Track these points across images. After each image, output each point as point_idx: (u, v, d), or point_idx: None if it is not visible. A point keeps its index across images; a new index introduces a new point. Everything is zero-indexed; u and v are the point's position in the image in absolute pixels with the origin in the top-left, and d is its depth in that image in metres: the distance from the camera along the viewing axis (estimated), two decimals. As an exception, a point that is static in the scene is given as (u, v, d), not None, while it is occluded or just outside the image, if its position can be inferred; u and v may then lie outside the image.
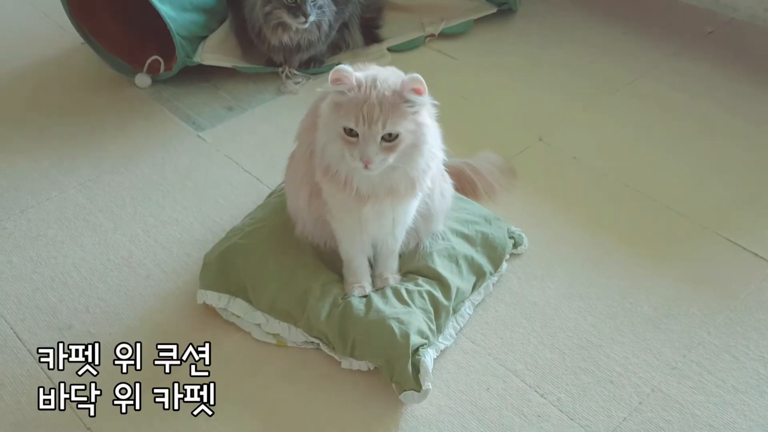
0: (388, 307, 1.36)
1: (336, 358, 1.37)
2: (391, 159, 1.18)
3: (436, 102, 1.24)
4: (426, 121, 1.20)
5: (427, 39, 2.22)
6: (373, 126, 1.14)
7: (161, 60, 2.07)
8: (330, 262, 1.45)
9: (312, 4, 1.92)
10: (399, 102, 1.16)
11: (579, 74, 2.11)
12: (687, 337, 1.43)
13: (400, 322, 1.33)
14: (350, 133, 1.16)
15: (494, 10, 2.31)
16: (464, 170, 1.67)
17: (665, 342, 1.42)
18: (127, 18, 2.14)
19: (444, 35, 2.25)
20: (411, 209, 1.34)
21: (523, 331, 1.44)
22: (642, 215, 1.69)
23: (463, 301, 1.45)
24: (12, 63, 2.16)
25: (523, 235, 1.60)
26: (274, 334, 1.42)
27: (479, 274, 1.48)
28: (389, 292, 1.40)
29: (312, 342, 1.40)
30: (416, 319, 1.35)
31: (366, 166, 1.16)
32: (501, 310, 1.48)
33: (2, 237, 1.63)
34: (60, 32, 2.26)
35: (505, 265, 1.55)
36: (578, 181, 1.78)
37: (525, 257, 1.59)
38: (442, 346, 1.39)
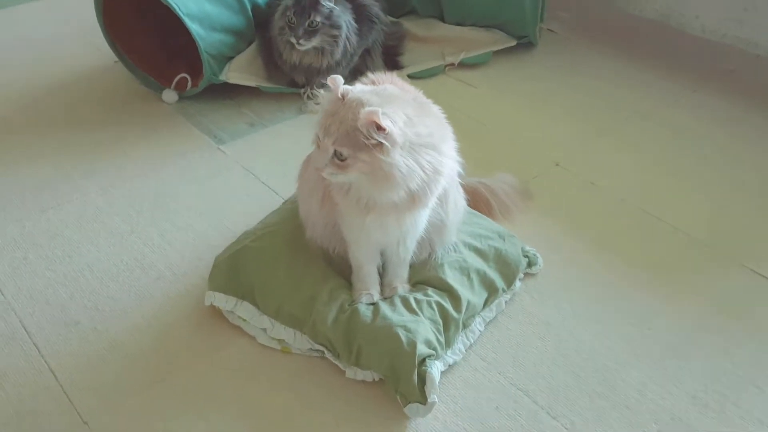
0: (396, 315, 1.24)
1: (340, 366, 1.25)
2: (344, 178, 1.11)
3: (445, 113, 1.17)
4: (392, 160, 1.06)
5: (447, 68, 2.14)
6: (322, 142, 1.08)
7: (189, 78, 2.00)
8: (339, 269, 1.34)
9: (309, 30, 1.84)
10: (355, 130, 1.05)
11: (598, 104, 2.01)
12: (710, 367, 1.29)
13: (407, 330, 1.21)
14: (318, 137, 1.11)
15: (514, 42, 2.22)
16: (479, 189, 1.56)
17: (686, 370, 1.28)
18: (158, 36, 2.08)
19: (463, 65, 2.16)
20: (419, 221, 1.23)
21: (536, 351, 1.31)
22: (662, 242, 1.56)
23: (473, 316, 1.33)
24: (47, 78, 2.10)
25: (538, 255, 1.48)
26: (279, 340, 1.30)
27: (491, 290, 1.36)
28: (397, 301, 1.28)
29: (317, 350, 1.28)
30: (424, 329, 1.23)
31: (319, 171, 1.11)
32: (513, 329, 1.35)
33: (21, 235, 1.55)
34: (96, 53, 2.20)
35: (518, 283, 1.42)
36: (595, 205, 1.66)
37: (539, 277, 1.46)
38: (451, 361, 1.26)
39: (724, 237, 1.57)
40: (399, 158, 1.07)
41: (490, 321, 1.36)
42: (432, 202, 1.19)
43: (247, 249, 1.36)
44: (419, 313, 1.26)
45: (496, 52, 2.20)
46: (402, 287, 1.32)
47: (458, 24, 2.25)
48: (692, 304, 1.41)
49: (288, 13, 1.89)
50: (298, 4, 1.86)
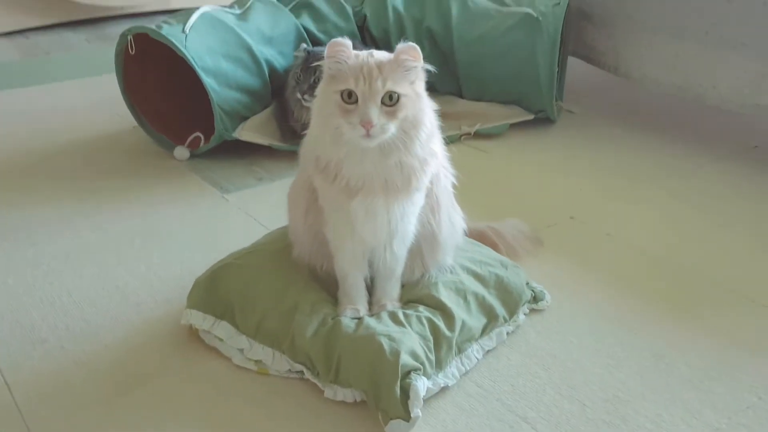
0: (381, 325, 1.13)
1: (319, 386, 1.12)
2: (393, 127, 1.03)
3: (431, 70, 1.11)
4: (423, 94, 1.08)
5: (463, 137, 2.10)
6: (373, 84, 1.01)
7: (202, 137, 1.99)
8: (326, 286, 1.24)
9: (313, 86, 1.81)
10: (396, 67, 1.04)
11: (616, 171, 1.93)
12: (733, 401, 1.13)
13: (390, 339, 1.09)
14: (349, 97, 1.03)
15: (531, 116, 2.19)
16: (486, 232, 1.47)
17: (706, 402, 1.12)
18: (176, 98, 2.09)
19: (480, 135, 2.12)
20: (409, 213, 1.14)
21: (538, 381, 1.17)
22: (682, 286, 1.43)
23: (470, 342, 1.20)
24: (65, 137, 2.12)
25: (545, 291, 1.36)
26: (255, 361, 1.19)
27: (490, 316, 1.24)
28: (384, 314, 1.17)
29: (296, 371, 1.16)
30: (410, 340, 1.11)
31: (367, 130, 1.01)
32: (515, 360, 1.22)
33: (5, 264, 1.50)
34: (117, 119, 2.22)
35: (522, 316, 1.30)
36: (611, 254, 1.55)
37: (546, 313, 1.34)
38: (442, 383, 1.13)
39: (750, 282, 1.44)
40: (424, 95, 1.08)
41: (490, 350, 1.23)
42: (423, 185, 1.12)
43: (228, 266, 1.28)
44: (407, 326, 1.14)
45: (514, 126, 2.17)
46: (391, 305, 1.20)
47: (476, 99, 2.23)
48: (709, 341, 1.27)
49: (296, 70, 1.90)
50: (305, 62, 1.88)
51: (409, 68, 1.05)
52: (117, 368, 1.19)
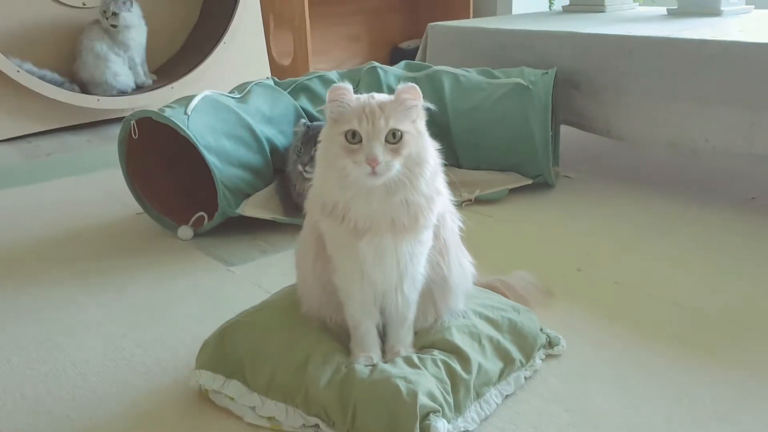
0: (396, 369, 1.10)
1: (335, 437, 1.08)
2: (397, 164, 1.04)
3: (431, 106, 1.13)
4: (424, 133, 1.10)
5: (464, 204, 2.11)
6: (376, 123, 1.03)
7: (206, 216, 2.00)
8: (337, 337, 1.21)
9: (311, 161, 1.86)
10: (398, 106, 1.06)
11: (618, 225, 1.93)
12: (764, 429, 1.09)
13: (407, 381, 1.06)
14: (353, 137, 1.04)
15: (529, 181, 2.21)
16: (495, 285, 1.46)
17: (737, 433, 1.09)
18: (179, 180, 2.12)
19: (480, 201, 2.14)
20: (417, 253, 1.13)
21: (561, 422, 1.13)
22: (697, 327, 1.41)
23: (488, 385, 1.17)
24: (68, 226, 2.12)
25: (560, 336, 1.33)
26: (268, 418, 1.15)
27: (507, 360, 1.21)
28: (398, 360, 1.14)
29: (311, 426, 1.12)
30: (426, 381, 1.08)
31: (373, 168, 1.02)
32: (535, 403, 1.18)
33: (8, 342, 1.46)
34: (121, 207, 2.24)
35: (539, 361, 1.27)
36: (622, 301, 1.53)
37: (563, 358, 1.31)
38: (462, 427, 1.09)
39: (756, 317, 1.43)
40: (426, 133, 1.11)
41: (509, 395, 1.20)
42: (430, 223, 1.12)
43: (237, 324, 1.25)
44: (422, 369, 1.11)
45: (513, 191, 2.19)
46: (405, 351, 1.18)
47: (474, 168, 2.26)
48: (733, 375, 1.24)
49: (297, 144, 1.94)
50: (306, 134, 1.91)
51: (410, 107, 1.07)
52: (125, 433, 1.16)
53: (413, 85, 1.07)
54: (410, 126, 1.07)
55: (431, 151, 1.11)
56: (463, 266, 1.25)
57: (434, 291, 1.20)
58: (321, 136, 1.11)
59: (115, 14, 3.39)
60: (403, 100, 1.07)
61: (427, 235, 1.14)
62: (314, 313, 1.24)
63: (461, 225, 1.24)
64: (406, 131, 1.06)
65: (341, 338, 1.21)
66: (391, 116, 1.05)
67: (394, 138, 1.04)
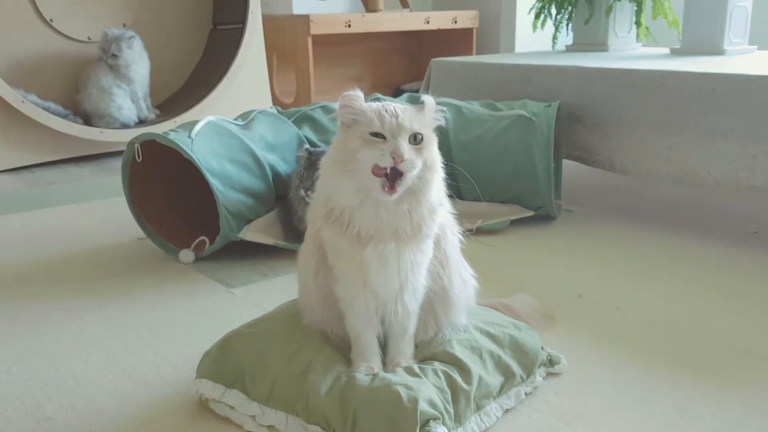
0: (396, 377, 1.13)
1: (336, 444, 1.11)
2: (419, 164, 1.08)
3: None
4: (435, 140, 1.15)
5: (466, 233, 2.14)
6: (400, 122, 1.07)
7: (207, 241, 2.04)
8: (338, 349, 1.24)
9: (313, 186, 1.89)
10: (418, 112, 1.13)
11: (619, 255, 1.97)
12: (765, 445, 1.11)
13: (408, 388, 1.09)
14: (375, 135, 1.08)
15: (531, 213, 2.26)
16: (496, 307, 1.49)
17: (737, 449, 1.11)
18: (179, 204, 2.17)
19: (482, 231, 2.18)
20: (419, 262, 1.17)
21: (561, 435, 1.15)
22: (698, 351, 1.44)
23: (488, 398, 1.19)
24: (70, 249, 2.16)
25: (561, 356, 1.36)
26: (268, 426, 1.17)
27: (507, 374, 1.24)
28: (399, 369, 1.17)
29: (311, 434, 1.14)
30: (427, 389, 1.10)
31: (398, 164, 1.06)
32: (535, 418, 1.21)
33: (10, 354, 1.49)
34: (121, 232, 2.29)
35: (539, 378, 1.30)
36: (623, 325, 1.56)
37: (563, 377, 1.34)
38: (462, 436, 1.11)
39: (756, 342, 1.46)
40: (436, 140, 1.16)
41: (509, 410, 1.22)
42: (432, 232, 1.16)
43: (239, 334, 1.28)
44: (423, 377, 1.14)
45: (515, 222, 2.23)
46: (406, 362, 1.20)
47: (476, 200, 2.30)
48: (734, 395, 1.27)
49: (299, 169, 1.99)
50: (308, 160, 1.96)
51: (431, 117, 1.14)
52: (126, 441, 1.18)
53: (433, 100, 1.14)
54: (429, 131, 1.12)
55: (439, 159, 1.16)
56: (464, 279, 1.28)
57: (435, 303, 1.23)
58: (333, 143, 1.15)
59: (115, 56, 3.50)
60: (427, 108, 1.13)
61: (428, 244, 1.17)
62: (315, 325, 1.27)
63: (462, 238, 1.28)
64: (426, 135, 1.11)
65: (342, 350, 1.24)
66: (414, 119, 1.09)
67: (416, 140, 1.09)
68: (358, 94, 1.11)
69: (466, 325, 1.29)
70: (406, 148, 1.06)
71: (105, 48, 3.50)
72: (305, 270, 1.27)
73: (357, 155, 1.08)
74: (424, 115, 1.13)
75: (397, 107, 1.11)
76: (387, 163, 1.06)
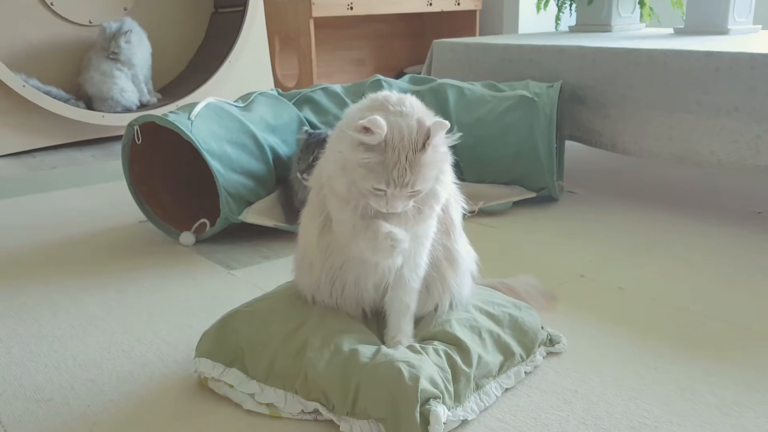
0: (398, 353, 1.12)
1: (335, 420, 1.10)
2: (412, 202, 1.11)
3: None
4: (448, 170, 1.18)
5: (468, 215, 2.13)
6: (403, 188, 1.07)
7: (208, 223, 2.04)
8: (336, 325, 1.23)
9: (312, 165, 1.86)
10: (430, 159, 1.09)
11: (621, 235, 1.96)
12: (767, 424, 1.10)
13: (410, 365, 1.08)
14: (377, 190, 1.08)
15: (533, 194, 2.24)
16: (497, 287, 1.48)
17: (737, 427, 1.10)
18: (179, 187, 2.16)
19: (484, 213, 2.17)
20: (421, 236, 1.17)
21: (561, 413, 1.15)
22: (700, 329, 1.43)
23: (488, 378, 1.19)
24: (71, 232, 2.16)
25: (561, 335, 1.35)
26: (267, 404, 1.17)
27: (507, 354, 1.23)
28: (401, 346, 1.16)
29: (310, 412, 1.14)
30: (429, 366, 1.10)
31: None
32: (535, 396, 1.20)
33: (9, 336, 1.49)
34: (122, 215, 2.29)
35: (539, 357, 1.29)
36: (625, 304, 1.55)
37: (564, 356, 1.33)
38: (462, 416, 1.11)
39: (758, 320, 1.45)
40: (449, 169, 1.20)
41: (509, 389, 1.21)
42: (434, 213, 1.16)
43: (238, 313, 1.28)
44: (425, 354, 1.14)
45: (518, 204, 2.22)
46: (406, 340, 1.20)
47: (478, 181, 2.29)
48: (735, 373, 1.26)
49: (298, 151, 1.98)
50: (306, 142, 1.95)
51: (442, 159, 1.13)
52: (125, 421, 1.17)
53: (444, 123, 1.09)
54: (434, 175, 1.11)
55: (448, 175, 1.18)
56: (468, 251, 1.29)
57: (441, 265, 1.24)
58: (340, 140, 1.13)
59: (115, 53, 3.50)
60: (436, 149, 1.09)
61: (431, 223, 1.17)
62: (310, 290, 1.27)
63: (465, 210, 1.28)
64: (426, 188, 1.10)
65: (340, 324, 1.23)
66: (418, 177, 1.07)
67: (414, 192, 1.09)
68: (383, 125, 1.05)
69: (466, 305, 1.28)
70: (402, 205, 1.08)
71: (105, 47, 3.51)
72: (310, 227, 1.26)
73: (358, 171, 1.07)
74: (433, 160, 1.09)
75: (407, 162, 1.06)
76: (381, 209, 1.09)
